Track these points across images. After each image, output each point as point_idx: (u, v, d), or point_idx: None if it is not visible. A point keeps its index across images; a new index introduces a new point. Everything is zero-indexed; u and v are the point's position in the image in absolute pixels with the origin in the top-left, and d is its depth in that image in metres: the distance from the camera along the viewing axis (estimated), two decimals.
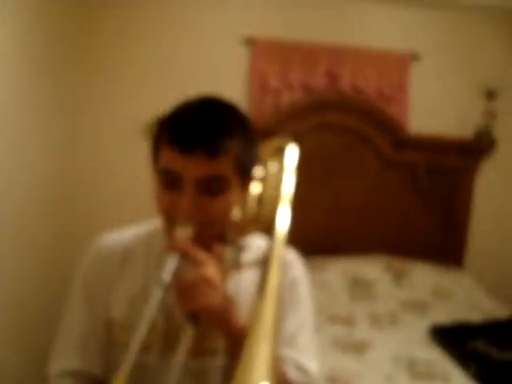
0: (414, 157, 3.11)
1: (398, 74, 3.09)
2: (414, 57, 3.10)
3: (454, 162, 3.12)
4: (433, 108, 3.13)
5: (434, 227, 3.19)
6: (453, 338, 2.28)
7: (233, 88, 2.99)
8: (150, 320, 0.78)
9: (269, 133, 3.01)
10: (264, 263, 0.87)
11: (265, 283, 0.82)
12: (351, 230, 3.16)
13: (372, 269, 2.95)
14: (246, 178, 0.99)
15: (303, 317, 1.08)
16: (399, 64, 3.09)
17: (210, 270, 0.84)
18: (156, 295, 0.80)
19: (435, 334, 2.36)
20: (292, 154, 1.13)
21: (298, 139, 3.09)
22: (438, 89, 3.14)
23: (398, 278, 2.92)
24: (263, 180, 1.09)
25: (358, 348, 2.29)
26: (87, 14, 2.87)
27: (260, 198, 1.07)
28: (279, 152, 1.16)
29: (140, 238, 1.10)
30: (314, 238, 3.02)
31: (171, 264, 0.84)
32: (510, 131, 3.16)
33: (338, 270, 2.93)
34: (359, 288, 2.87)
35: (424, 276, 2.95)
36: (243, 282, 1.03)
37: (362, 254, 3.06)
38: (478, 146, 3.12)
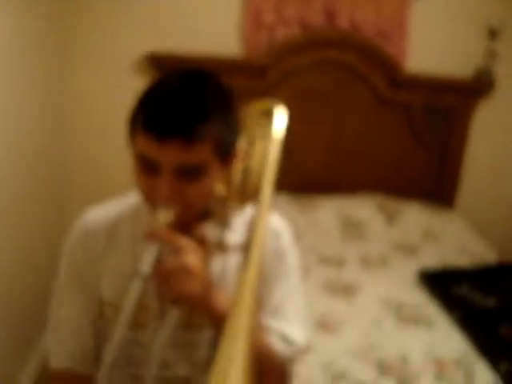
0: (411, 96, 3.05)
1: (397, 12, 2.97)
2: None
3: (450, 102, 3.06)
4: (433, 47, 3.02)
5: (428, 168, 3.19)
6: (439, 283, 2.33)
7: (225, 24, 2.88)
8: (130, 313, 0.80)
9: (263, 70, 2.95)
10: (248, 242, 0.87)
11: (248, 255, 0.83)
12: (345, 169, 3.15)
13: (364, 209, 2.97)
14: (227, 155, 0.96)
15: (291, 286, 1.09)
16: (399, 1, 2.96)
17: (190, 257, 0.84)
18: (136, 287, 0.82)
19: (423, 278, 2.41)
20: (280, 118, 1.10)
21: (293, 76, 3.05)
22: (439, 27, 3.02)
23: (390, 218, 2.95)
24: (248, 150, 1.07)
25: (347, 291, 2.35)
26: None
27: (245, 170, 1.05)
28: (265, 116, 1.13)
29: (125, 212, 1.09)
30: (308, 177, 3.02)
31: (150, 254, 0.85)
32: (511, 72, 3.08)
33: (331, 209, 2.95)
34: (351, 228, 2.91)
35: (415, 217, 2.97)
36: (229, 263, 1.03)
37: (355, 194, 3.08)
38: (477, 86, 3.06)
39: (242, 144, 1.01)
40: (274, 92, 2.96)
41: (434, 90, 3.04)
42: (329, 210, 2.94)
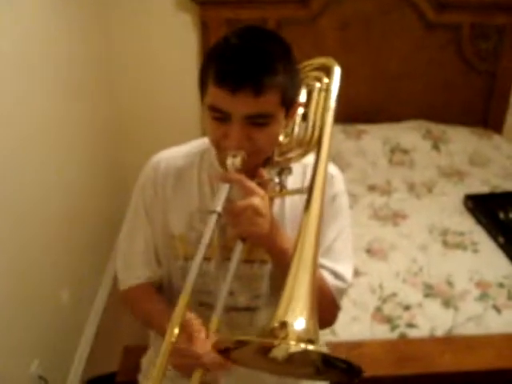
0: (458, 18, 2.97)
1: None
2: None
3: (501, 23, 2.98)
4: None
5: (477, 92, 3.15)
6: (485, 208, 2.39)
7: None
8: (206, 244, 0.92)
9: (304, 1, 2.91)
10: (308, 187, 0.97)
11: (309, 205, 0.93)
12: (391, 96, 3.15)
13: (411, 135, 3.00)
14: (290, 107, 1.04)
15: (340, 227, 1.18)
16: None
17: (259, 199, 0.94)
18: (211, 223, 0.92)
19: (469, 203, 2.47)
20: (336, 75, 1.16)
21: (336, 3, 2.99)
22: None
23: (437, 144, 2.97)
24: (307, 102, 1.15)
25: (395, 218, 2.45)
26: None
27: (305, 121, 1.13)
28: (321, 70, 1.19)
29: (193, 156, 1.20)
30: (353, 105, 3.03)
31: (223, 194, 0.94)
32: None
33: (377, 137, 2.99)
34: (398, 155, 2.96)
35: (463, 143, 2.98)
36: (286, 204, 1.15)
37: (401, 121, 3.10)
38: None
39: (301, 95, 1.09)
40: (318, 20, 2.95)
41: (482, 10, 2.95)
42: (375, 138, 2.99)
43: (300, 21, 2.94)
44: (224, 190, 0.96)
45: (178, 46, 3.00)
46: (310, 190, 0.96)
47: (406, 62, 3.10)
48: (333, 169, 1.21)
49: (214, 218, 0.93)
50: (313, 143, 1.08)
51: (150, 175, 1.19)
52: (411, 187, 2.73)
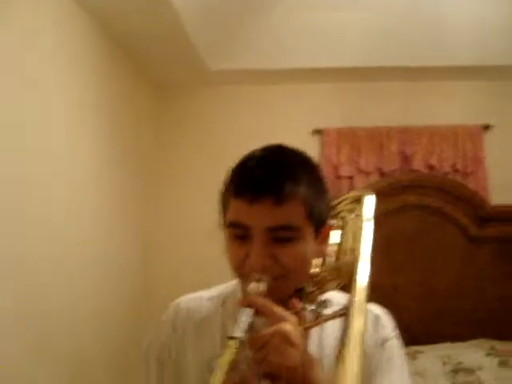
0: (501, 230, 2.95)
1: (471, 147, 3.04)
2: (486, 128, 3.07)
3: None
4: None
5: None
6: None
7: None
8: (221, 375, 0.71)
9: None
10: (346, 313, 0.82)
11: (347, 330, 0.76)
12: (443, 316, 2.95)
13: (473, 354, 2.71)
14: (319, 227, 0.94)
15: (397, 376, 0.98)
16: (471, 137, 3.05)
17: (289, 325, 0.78)
18: (228, 351, 0.73)
19: None
20: (370, 202, 1.10)
21: (377, 224, 3.04)
22: None
23: (506, 361, 2.65)
24: (342, 232, 1.07)
25: None
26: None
27: (339, 250, 1.03)
28: (357, 203, 1.13)
29: (216, 300, 1.06)
30: (405, 326, 2.83)
31: (244, 319, 0.77)
32: None
33: (436, 356, 2.72)
34: (461, 375, 2.63)
35: None
36: (325, 338, 0.97)
37: (460, 341, 2.83)
38: None
39: (334, 221, 1.01)
40: None
41: None
42: (434, 358, 2.71)
43: None
44: (245, 315, 0.78)
45: None
46: (347, 313, 0.80)
47: (456, 278, 2.98)
48: (378, 308, 1.05)
49: (233, 346, 0.74)
50: (348, 275, 0.94)
51: (170, 315, 1.05)
52: None
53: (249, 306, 0.80)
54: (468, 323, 2.93)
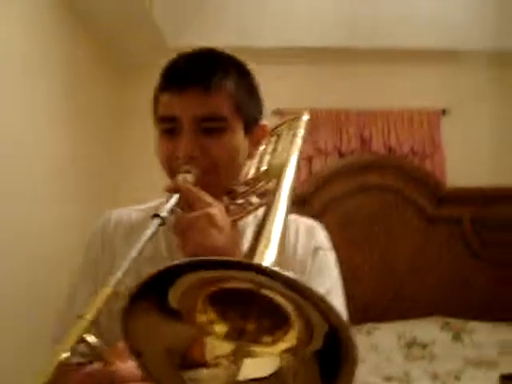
0: (458, 211, 3.00)
1: (429, 131, 3.09)
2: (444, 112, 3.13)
3: (502, 212, 2.97)
4: (468, 160, 3.07)
5: (491, 283, 2.97)
6: None
7: None
8: (140, 249, 0.68)
9: (304, 200, 3.00)
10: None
11: (268, 211, 0.72)
12: (400, 293, 2.98)
13: (428, 330, 2.74)
14: (249, 125, 0.95)
15: (328, 284, 0.97)
16: (429, 120, 3.10)
17: (216, 209, 0.78)
18: (151, 227, 0.71)
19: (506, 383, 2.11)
20: (303, 121, 1.11)
21: (336, 204, 3.04)
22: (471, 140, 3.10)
23: (459, 336, 2.68)
24: (275, 144, 1.07)
25: None
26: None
27: (271, 158, 1.02)
28: (295, 122, 1.14)
29: (148, 210, 1.03)
30: (361, 306, 2.84)
31: (170, 202, 0.76)
32: None
33: (391, 332, 2.74)
34: (415, 349, 2.65)
35: (489, 333, 2.69)
36: (249, 233, 0.96)
37: (415, 318, 2.86)
38: None
39: (267, 124, 1.01)
40: (318, 220, 2.97)
41: (480, 202, 2.99)
42: (389, 334, 2.73)
43: None
44: (172, 199, 0.77)
45: None
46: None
47: (413, 257, 3.03)
48: (314, 222, 1.05)
49: (155, 223, 0.72)
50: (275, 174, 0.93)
51: (98, 228, 1.02)
52: (435, 376, 2.38)
53: (174, 191, 0.79)
54: (425, 301, 2.96)
